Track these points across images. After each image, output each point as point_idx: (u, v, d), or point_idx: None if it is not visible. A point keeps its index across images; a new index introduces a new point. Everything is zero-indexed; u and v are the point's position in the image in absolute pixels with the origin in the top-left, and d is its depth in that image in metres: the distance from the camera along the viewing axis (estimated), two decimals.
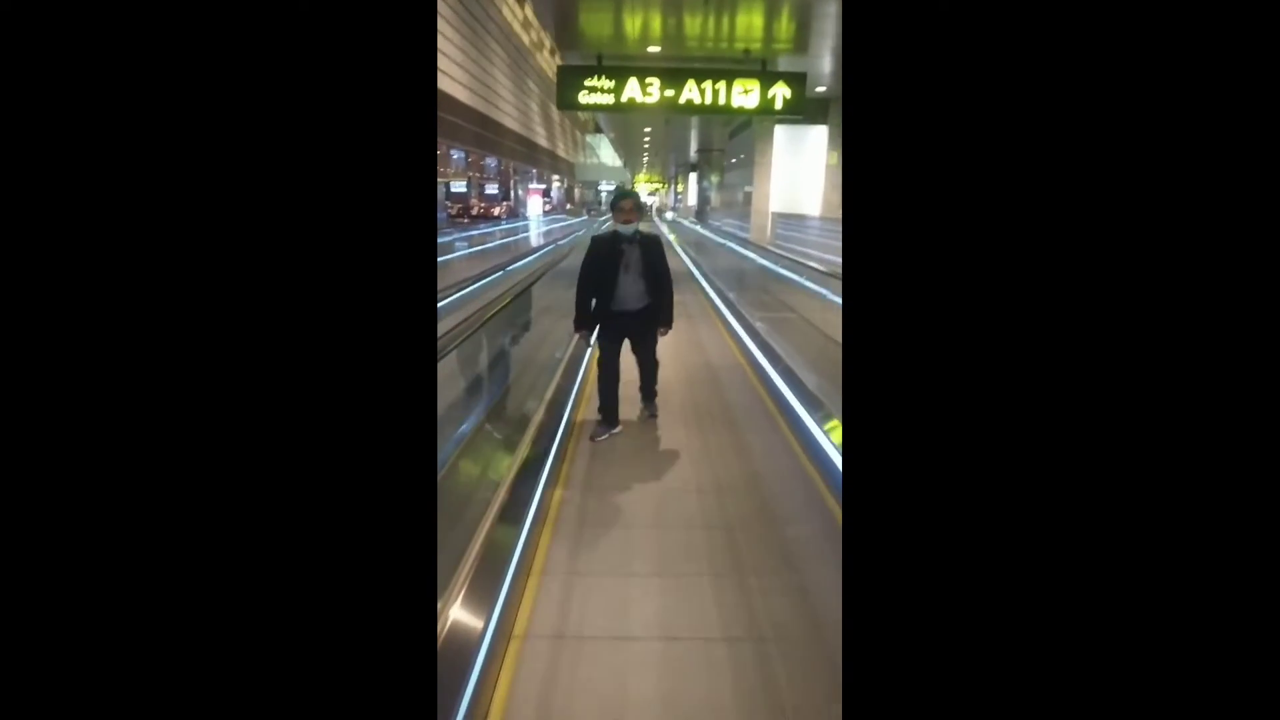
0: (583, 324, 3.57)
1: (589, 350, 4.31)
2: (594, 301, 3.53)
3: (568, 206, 49.63)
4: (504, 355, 4.13)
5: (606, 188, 50.84)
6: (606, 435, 3.59)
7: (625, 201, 3.47)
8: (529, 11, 17.64)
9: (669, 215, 34.66)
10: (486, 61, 14.45)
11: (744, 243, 10.20)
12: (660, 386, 3.98)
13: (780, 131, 9.78)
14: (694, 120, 13.65)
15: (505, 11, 16.37)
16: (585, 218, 36.21)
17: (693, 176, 23.77)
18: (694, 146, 19.88)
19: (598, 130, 35.06)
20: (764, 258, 8.39)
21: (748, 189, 12.88)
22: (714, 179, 20.09)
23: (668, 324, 3.63)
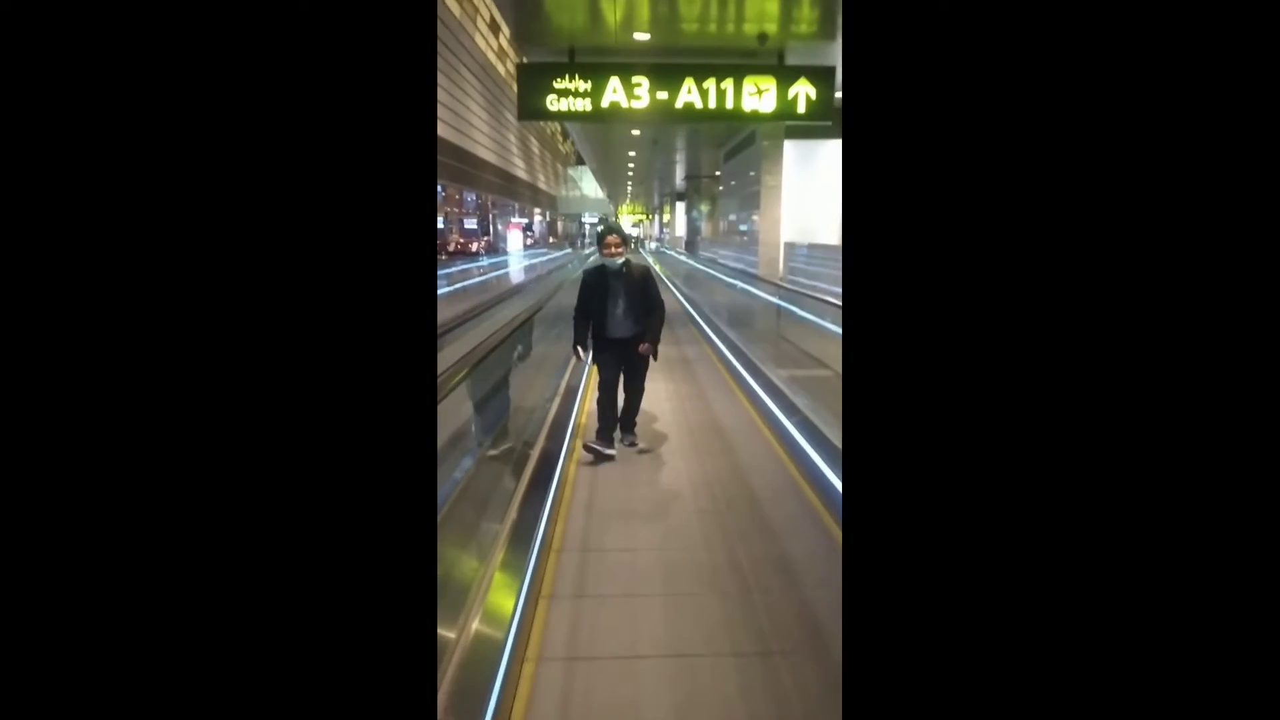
0: (579, 343, 3.78)
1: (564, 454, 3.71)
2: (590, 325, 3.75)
3: (550, 240, 48.69)
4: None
5: (590, 220, 50.29)
6: (599, 451, 3.63)
7: (610, 237, 3.64)
8: (504, 41, 16.63)
9: (651, 245, 33.73)
10: (460, 91, 13.35)
11: (748, 278, 8.82)
12: (668, 475, 3.54)
13: (790, 149, 8.44)
14: (681, 144, 12.37)
15: (479, 40, 15.35)
16: (569, 251, 35.22)
17: (680, 206, 22.36)
18: (681, 174, 18.65)
19: (580, 162, 34.24)
20: (778, 296, 7.01)
21: (733, 217, 11.52)
22: (704, 208, 18.82)
23: (652, 342, 3.70)
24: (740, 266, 9.74)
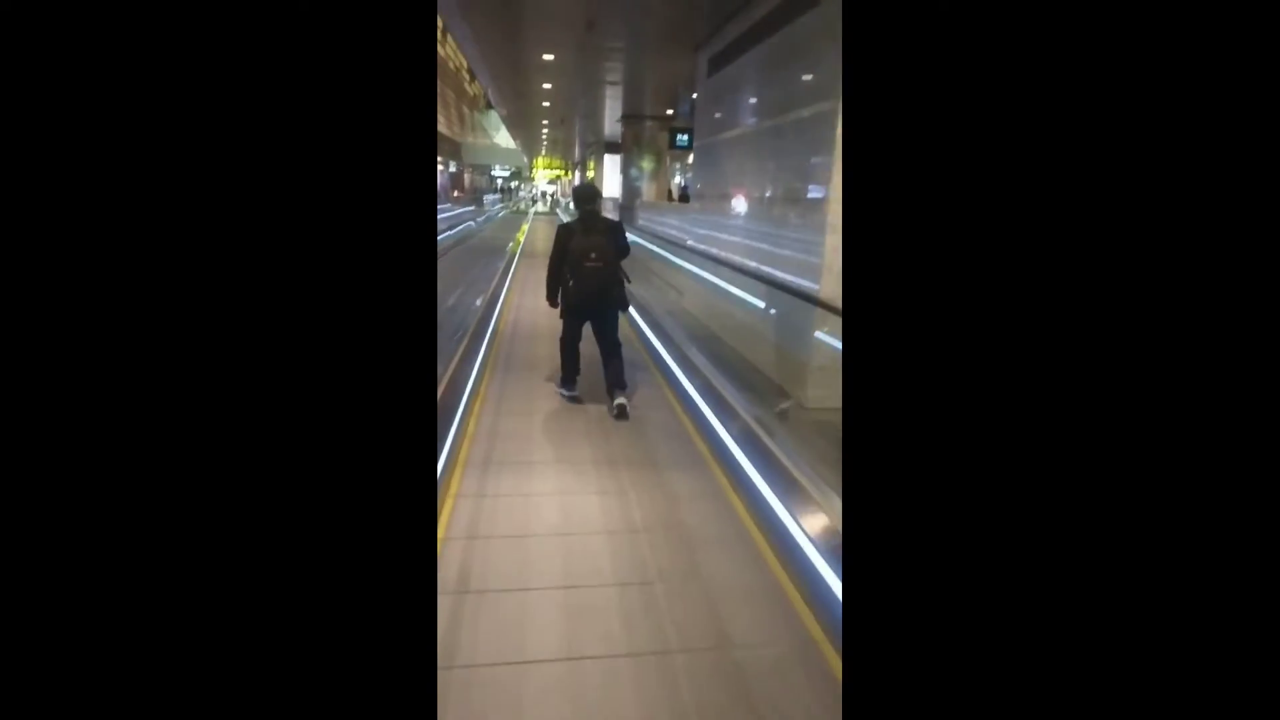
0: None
1: None
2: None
3: (455, 194, 42.33)
4: None
5: (502, 173, 44.39)
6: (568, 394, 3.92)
7: (584, 207, 3.91)
8: None
9: (573, 205, 28.85)
10: None
11: (765, 293, 4.28)
12: None
13: None
14: (623, 41, 7.62)
15: None
16: (472, 208, 29.71)
17: (610, 160, 17.28)
18: (615, 115, 13.79)
19: (490, 106, 28.58)
20: None
21: (719, 170, 6.78)
22: (645, 165, 14.04)
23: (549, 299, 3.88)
24: (759, 264, 5.13)
